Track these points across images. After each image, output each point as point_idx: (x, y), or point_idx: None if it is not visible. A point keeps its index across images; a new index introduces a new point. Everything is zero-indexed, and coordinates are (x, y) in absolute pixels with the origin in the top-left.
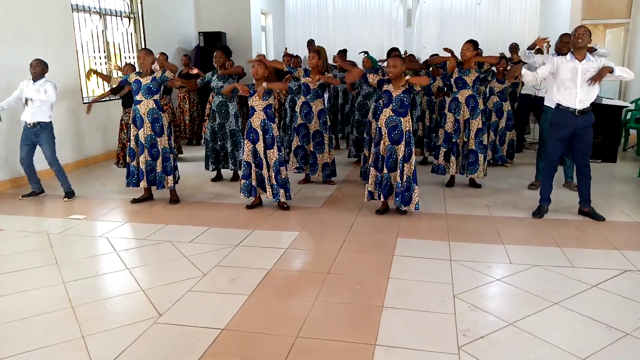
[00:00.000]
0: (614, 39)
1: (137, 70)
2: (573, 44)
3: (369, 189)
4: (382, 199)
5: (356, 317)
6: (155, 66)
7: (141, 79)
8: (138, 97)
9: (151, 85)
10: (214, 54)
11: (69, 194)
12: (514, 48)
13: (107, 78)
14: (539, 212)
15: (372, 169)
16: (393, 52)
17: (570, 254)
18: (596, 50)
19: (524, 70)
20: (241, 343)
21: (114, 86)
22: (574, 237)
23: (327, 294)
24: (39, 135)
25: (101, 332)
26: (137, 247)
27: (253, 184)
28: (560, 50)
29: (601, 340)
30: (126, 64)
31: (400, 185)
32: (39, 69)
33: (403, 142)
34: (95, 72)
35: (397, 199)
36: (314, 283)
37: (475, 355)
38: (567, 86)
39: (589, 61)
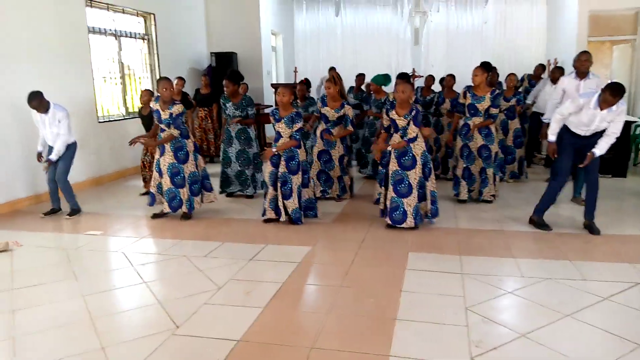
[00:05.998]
0: (621, 55)
1: (156, 95)
2: (607, 101)
3: (381, 207)
4: (388, 221)
5: (370, 328)
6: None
7: (161, 110)
8: (162, 126)
9: (170, 121)
10: (223, 82)
11: (74, 212)
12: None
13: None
14: (545, 226)
15: (377, 184)
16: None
17: (581, 267)
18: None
19: (553, 124)
20: (256, 354)
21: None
22: (584, 250)
23: (341, 306)
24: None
25: (120, 343)
26: (153, 262)
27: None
28: (579, 69)
29: (613, 352)
30: (142, 90)
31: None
32: (35, 103)
33: (419, 165)
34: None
35: (429, 217)
36: (328, 295)
37: None
38: (581, 126)
39: (610, 112)
